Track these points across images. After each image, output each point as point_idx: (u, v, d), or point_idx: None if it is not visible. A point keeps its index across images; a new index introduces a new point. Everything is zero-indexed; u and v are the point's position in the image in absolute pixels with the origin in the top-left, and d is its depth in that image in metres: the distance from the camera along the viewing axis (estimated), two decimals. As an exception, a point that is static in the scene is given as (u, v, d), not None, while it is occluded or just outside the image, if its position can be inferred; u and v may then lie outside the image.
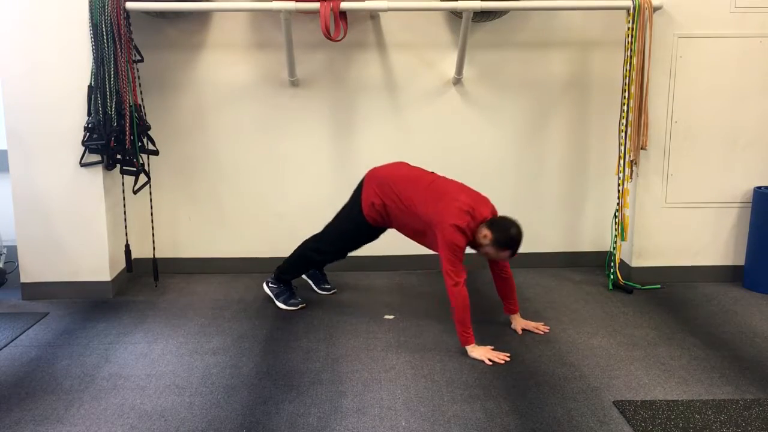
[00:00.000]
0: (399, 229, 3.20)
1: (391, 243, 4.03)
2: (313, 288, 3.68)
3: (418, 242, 3.17)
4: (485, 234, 2.86)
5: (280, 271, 3.47)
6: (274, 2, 3.34)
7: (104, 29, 3.30)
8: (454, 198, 2.93)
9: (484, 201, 3.01)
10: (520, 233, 2.88)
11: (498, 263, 3.10)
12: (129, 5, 3.33)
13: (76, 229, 3.56)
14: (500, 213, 4.04)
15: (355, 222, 3.23)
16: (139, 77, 3.57)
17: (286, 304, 3.43)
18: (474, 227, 2.89)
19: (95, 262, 3.60)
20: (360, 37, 3.81)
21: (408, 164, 3.27)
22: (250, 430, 2.31)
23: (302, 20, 3.73)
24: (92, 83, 3.37)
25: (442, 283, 2.93)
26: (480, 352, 2.86)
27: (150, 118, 3.72)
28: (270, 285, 3.51)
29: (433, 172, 3.19)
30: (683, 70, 3.68)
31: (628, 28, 3.52)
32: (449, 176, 3.97)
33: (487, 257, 2.96)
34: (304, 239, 3.44)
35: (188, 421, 2.37)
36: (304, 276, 3.68)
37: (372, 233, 3.31)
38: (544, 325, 3.18)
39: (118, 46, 3.33)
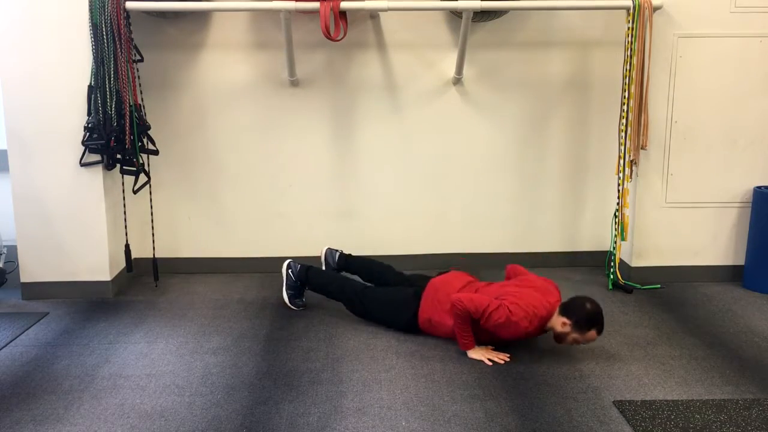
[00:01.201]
0: (446, 333, 3.00)
1: (392, 243, 4.04)
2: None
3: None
4: (563, 322, 2.76)
5: (309, 277, 3.36)
6: (274, 2, 3.34)
7: (104, 29, 3.30)
8: (525, 297, 2.80)
9: (547, 293, 2.88)
10: (597, 306, 2.76)
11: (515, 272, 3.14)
12: (129, 5, 3.33)
13: (76, 229, 3.56)
14: (500, 213, 4.07)
15: (406, 322, 3.09)
16: (139, 77, 3.57)
17: (290, 300, 3.42)
18: (537, 322, 2.77)
19: (95, 262, 3.60)
20: (360, 37, 3.81)
21: (472, 278, 3.14)
22: (250, 430, 2.31)
23: (302, 20, 3.73)
24: (92, 83, 3.37)
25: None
26: (480, 353, 2.86)
27: (150, 118, 3.72)
28: (290, 272, 3.40)
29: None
30: (683, 70, 3.68)
31: (628, 28, 3.52)
32: (449, 176, 4.00)
33: (576, 343, 2.80)
34: (353, 283, 3.28)
35: (188, 421, 2.37)
36: None
37: (416, 332, 3.12)
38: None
39: (118, 46, 3.33)
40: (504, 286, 2.96)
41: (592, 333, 2.74)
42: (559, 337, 2.81)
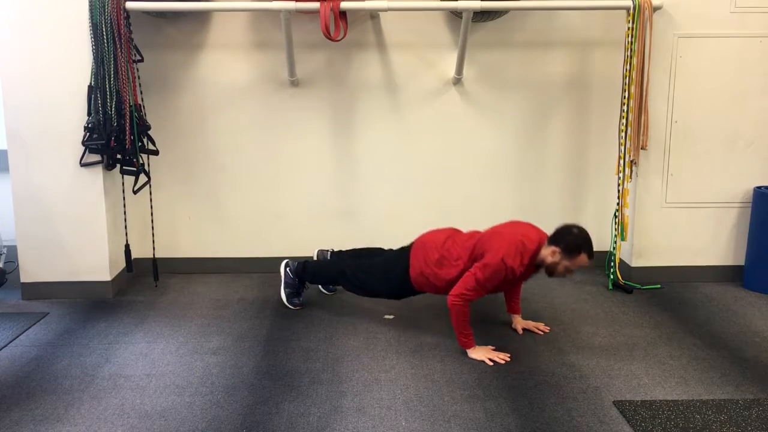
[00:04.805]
0: (439, 287, 3.02)
1: (392, 242, 4.03)
2: (319, 288, 3.68)
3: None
4: (552, 251, 2.80)
5: (306, 269, 3.39)
6: (274, 2, 3.34)
7: (104, 29, 3.30)
8: (505, 234, 2.85)
9: (531, 230, 2.92)
10: (584, 231, 2.81)
11: None
12: (129, 5, 3.33)
13: (76, 229, 3.56)
14: (500, 212, 4.06)
15: (400, 282, 3.10)
16: (139, 77, 3.57)
17: (288, 300, 3.43)
18: (527, 259, 2.81)
19: (95, 262, 3.60)
20: (360, 37, 3.81)
21: (456, 229, 3.17)
22: (250, 430, 2.31)
23: (302, 20, 3.73)
24: (92, 83, 3.37)
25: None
26: (481, 353, 2.86)
27: (150, 118, 3.72)
28: (288, 271, 3.42)
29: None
30: (683, 70, 3.68)
31: (628, 28, 3.52)
32: (449, 176, 4.00)
33: (569, 273, 2.83)
34: (345, 259, 3.36)
35: (188, 421, 2.37)
36: None
37: (413, 293, 3.17)
38: (545, 325, 3.18)
39: (118, 46, 3.33)
40: (487, 233, 2.97)
41: (583, 257, 2.78)
42: (551, 268, 2.84)
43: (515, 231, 2.90)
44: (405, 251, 3.14)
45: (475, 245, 2.91)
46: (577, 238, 2.78)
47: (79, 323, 3.27)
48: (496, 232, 2.94)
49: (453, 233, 3.09)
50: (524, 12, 3.76)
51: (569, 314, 3.37)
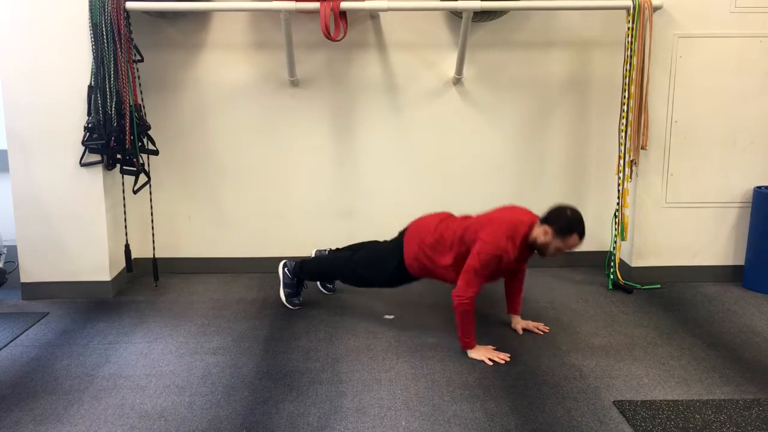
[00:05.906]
0: (435, 272, 3.04)
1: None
2: (318, 286, 3.68)
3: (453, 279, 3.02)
4: (545, 230, 2.79)
5: (303, 269, 3.41)
6: (274, 2, 3.34)
7: (104, 29, 3.31)
8: (496, 218, 2.87)
9: (522, 213, 2.94)
10: (577, 212, 2.80)
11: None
12: (129, 5, 3.33)
13: (76, 229, 3.56)
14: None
15: (395, 268, 3.11)
16: (139, 77, 3.57)
17: (287, 300, 3.43)
18: (520, 240, 2.82)
19: (95, 262, 3.60)
20: (360, 37, 3.81)
21: (449, 213, 3.19)
22: (250, 430, 2.31)
23: (302, 20, 3.73)
24: (92, 83, 3.37)
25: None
26: (481, 353, 2.86)
27: (150, 118, 3.72)
28: (286, 271, 3.44)
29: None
30: (683, 70, 3.68)
31: (628, 28, 3.52)
32: (449, 176, 4.00)
33: (560, 253, 2.81)
34: (341, 252, 3.40)
35: (188, 421, 2.37)
36: None
37: (409, 280, 3.18)
38: (544, 325, 3.18)
39: (118, 46, 3.33)
40: (478, 217, 2.98)
41: (574, 237, 2.77)
42: (543, 248, 2.83)
43: (506, 214, 2.93)
44: (399, 237, 3.17)
45: (467, 229, 2.92)
46: (570, 219, 2.78)
47: (79, 323, 3.27)
48: (487, 216, 2.96)
49: (445, 217, 3.11)
50: (524, 12, 3.76)
51: (569, 314, 3.37)
